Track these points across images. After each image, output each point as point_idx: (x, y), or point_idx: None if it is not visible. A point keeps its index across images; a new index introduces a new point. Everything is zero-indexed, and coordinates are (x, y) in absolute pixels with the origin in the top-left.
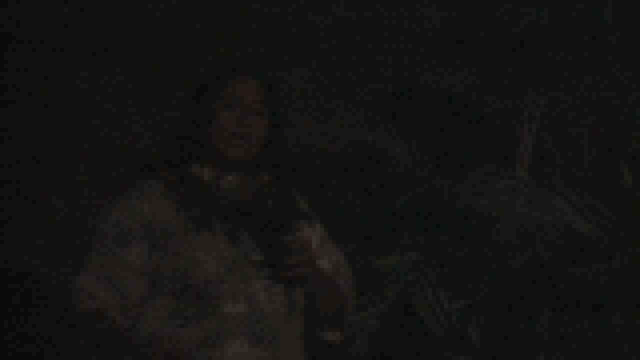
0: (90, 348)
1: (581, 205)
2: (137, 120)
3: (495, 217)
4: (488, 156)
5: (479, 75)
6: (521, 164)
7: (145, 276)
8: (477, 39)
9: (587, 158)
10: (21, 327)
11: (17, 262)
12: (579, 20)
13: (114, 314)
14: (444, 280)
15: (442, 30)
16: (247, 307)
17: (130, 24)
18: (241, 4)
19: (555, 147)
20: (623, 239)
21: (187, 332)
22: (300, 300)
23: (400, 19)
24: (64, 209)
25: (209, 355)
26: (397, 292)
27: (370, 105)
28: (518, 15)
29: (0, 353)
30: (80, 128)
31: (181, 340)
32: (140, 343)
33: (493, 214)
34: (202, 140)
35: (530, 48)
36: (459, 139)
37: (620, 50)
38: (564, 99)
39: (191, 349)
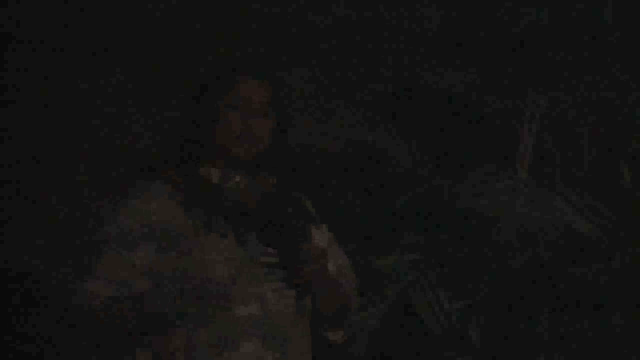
0: (91, 348)
1: (581, 205)
2: (137, 120)
3: (495, 217)
4: (488, 156)
5: (479, 75)
6: (521, 164)
7: (152, 277)
8: (477, 39)
9: (587, 158)
10: (21, 327)
11: (17, 262)
12: (579, 20)
13: (120, 315)
14: (444, 280)
15: (442, 30)
16: (258, 309)
17: (130, 24)
18: (241, 4)
19: (555, 147)
20: (623, 239)
21: (199, 334)
22: (308, 302)
23: (400, 19)
24: (64, 209)
25: (224, 358)
26: (397, 292)
27: (370, 105)
28: (518, 15)
29: (0, 353)
30: (80, 128)
31: (194, 342)
32: (149, 344)
33: (493, 214)
34: (207, 141)
35: (530, 48)
36: (459, 139)
37: (620, 50)
38: (564, 99)
39: (203, 351)
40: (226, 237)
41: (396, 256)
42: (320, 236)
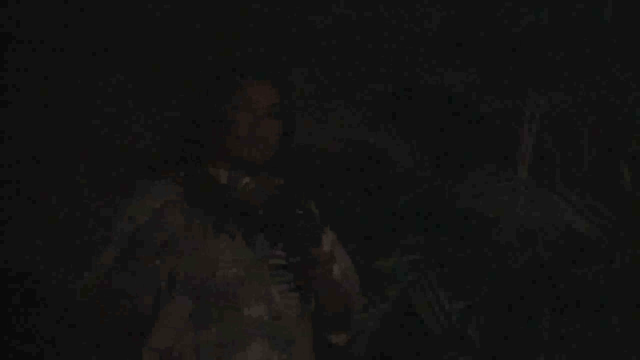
0: (90, 348)
1: (581, 205)
2: (137, 120)
3: (495, 217)
4: (488, 156)
5: (479, 75)
6: (521, 164)
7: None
8: (477, 39)
9: (587, 158)
10: (21, 327)
11: (17, 262)
12: (579, 20)
13: (129, 315)
14: (444, 280)
15: (442, 30)
16: (265, 310)
17: (130, 24)
18: (241, 4)
19: (555, 147)
20: (623, 239)
21: (207, 335)
22: (312, 304)
23: (400, 19)
24: (64, 209)
25: (231, 358)
26: (397, 292)
27: (370, 105)
28: (518, 15)
29: (0, 353)
30: (80, 128)
31: (202, 342)
32: (158, 345)
33: (493, 214)
34: (215, 142)
35: (530, 48)
36: (459, 139)
37: (620, 50)
38: (564, 99)
39: (211, 351)
40: (234, 238)
41: (396, 257)
42: (326, 239)
